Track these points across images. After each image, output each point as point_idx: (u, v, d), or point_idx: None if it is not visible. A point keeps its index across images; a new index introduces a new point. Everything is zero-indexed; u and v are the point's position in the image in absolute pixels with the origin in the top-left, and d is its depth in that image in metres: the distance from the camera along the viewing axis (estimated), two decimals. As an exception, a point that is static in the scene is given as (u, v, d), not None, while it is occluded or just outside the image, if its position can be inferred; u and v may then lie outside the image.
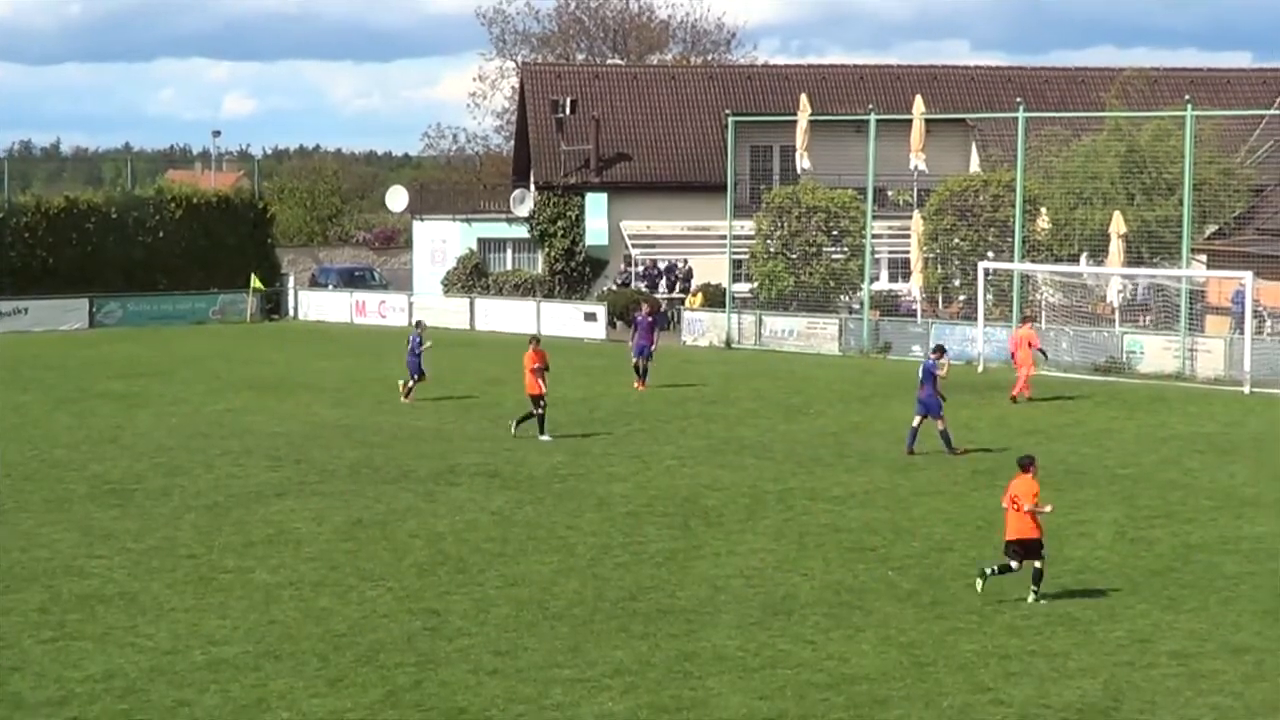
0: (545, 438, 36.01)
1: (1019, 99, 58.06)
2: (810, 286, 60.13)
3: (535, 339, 38.63)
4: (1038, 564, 22.44)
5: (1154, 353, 49.80)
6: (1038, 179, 58.94)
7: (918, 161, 59.56)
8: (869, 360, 54.04)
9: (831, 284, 60.62)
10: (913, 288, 59.90)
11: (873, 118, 58.05)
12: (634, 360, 46.05)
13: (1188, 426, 39.15)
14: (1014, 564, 22.45)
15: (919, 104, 59.83)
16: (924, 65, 78.08)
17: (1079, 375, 48.40)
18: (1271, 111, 60.85)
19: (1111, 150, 59.15)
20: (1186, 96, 53.96)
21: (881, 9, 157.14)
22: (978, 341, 51.68)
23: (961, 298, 58.80)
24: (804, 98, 62.47)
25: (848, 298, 60.66)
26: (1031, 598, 22.34)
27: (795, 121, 61.78)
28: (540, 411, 36.39)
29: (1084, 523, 27.48)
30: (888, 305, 60.24)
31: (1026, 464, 22.75)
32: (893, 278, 65.69)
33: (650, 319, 46.52)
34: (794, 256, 61.21)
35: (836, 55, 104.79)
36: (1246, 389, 45.50)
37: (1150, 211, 56.79)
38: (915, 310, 58.45)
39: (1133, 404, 42.84)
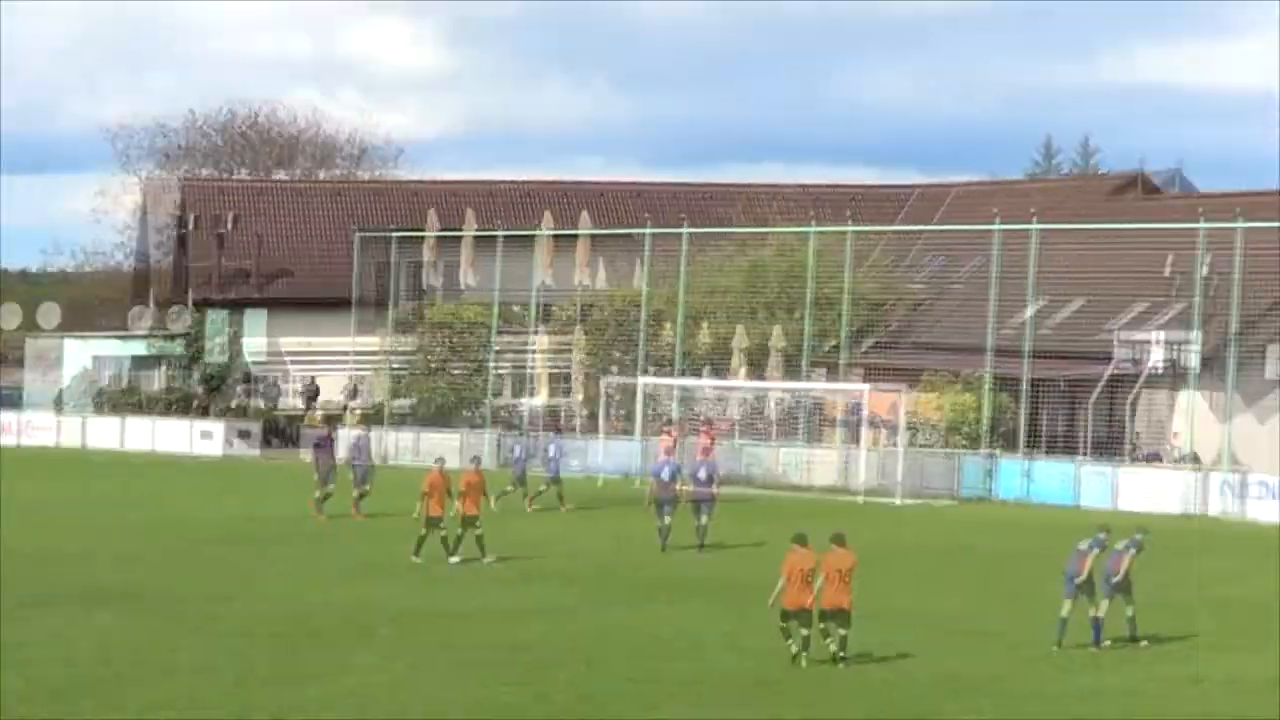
0: (455, 559, 34.42)
1: (683, 215, 58.34)
2: (459, 401, 59.48)
3: (441, 460, 36.72)
4: (844, 631, 24.08)
5: (809, 464, 50.16)
6: (699, 294, 58.97)
7: (579, 277, 59.60)
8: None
9: (460, 397, 59.99)
10: (571, 402, 59.65)
11: (500, 233, 58.13)
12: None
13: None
14: (805, 631, 23.99)
15: (548, 219, 60.18)
16: (594, 181, 77.81)
17: (730, 489, 48.00)
18: (931, 227, 61.92)
19: (761, 265, 59.52)
20: (847, 212, 54.78)
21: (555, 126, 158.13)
22: (599, 454, 51.28)
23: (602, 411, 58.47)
24: (432, 213, 62.32)
25: (501, 412, 59.92)
26: (842, 665, 24.00)
27: (455, 236, 61.45)
28: (460, 532, 34.65)
29: (725, 633, 27.14)
30: (551, 421, 59.75)
31: (843, 538, 24.36)
32: (558, 392, 65.12)
33: (330, 439, 44.69)
34: (456, 372, 60.41)
35: (508, 170, 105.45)
36: (896, 500, 45.89)
37: (798, 325, 57.09)
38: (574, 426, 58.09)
39: (776, 517, 42.32)
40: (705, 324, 58.60)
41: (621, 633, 27.46)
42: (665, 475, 37.56)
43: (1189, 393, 48.61)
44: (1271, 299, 49.86)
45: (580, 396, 58.59)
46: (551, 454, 44.27)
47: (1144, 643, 26.53)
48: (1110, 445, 49.86)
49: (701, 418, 52.41)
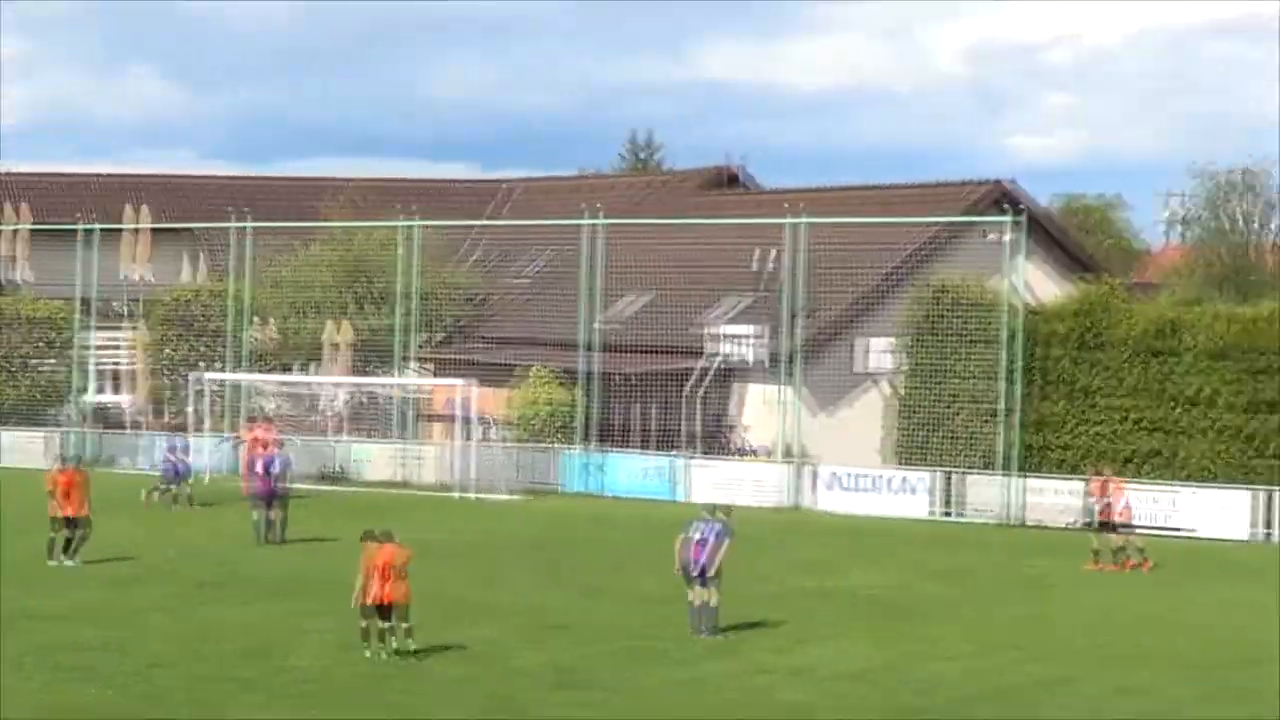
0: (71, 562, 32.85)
1: (246, 209, 56.69)
2: (28, 399, 56.77)
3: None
4: (405, 624, 24.39)
5: (379, 461, 49.32)
6: (264, 289, 57.61)
7: (130, 272, 57.60)
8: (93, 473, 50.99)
9: (39, 396, 57.31)
10: (133, 399, 57.53)
11: (97, 227, 55.73)
12: None
13: (411, 534, 38.31)
14: (383, 624, 24.31)
15: (129, 213, 57.97)
16: (153, 174, 75.27)
17: (304, 485, 47.07)
18: (487, 222, 61.65)
19: (329, 260, 58.51)
20: (414, 206, 54.14)
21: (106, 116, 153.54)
22: (203, 452, 49.61)
23: (189, 408, 56.71)
24: (25, 206, 59.44)
25: (55, 410, 57.44)
26: (414, 658, 24.24)
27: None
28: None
29: (306, 631, 26.50)
30: (111, 417, 57.56)
31: (392, 534, 25.12)
32: (116, 389, 62.80)
33: None
34: (13, 369, 57.66)
35: (58, 163, 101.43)
36: (471, 495, 45.57)
37: (372, 320, 56.30)
38: (138, 422, 56.03)
39: (350, 512, 41.63)
40: (294, 319, 57.24)
41: (227, 630, 26.56)
42: (260, 470, 37.61)
43: (772, 387, 49.42)
44: (859, 293, 51.22)
45: (143, 393, 56.59)
46: (174, 453, 43.65)
47: (726, 634, 26.83)
48: (701, 439, 50.42)
49: (266, 412, 51.18)
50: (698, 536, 26.63)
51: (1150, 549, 36.39)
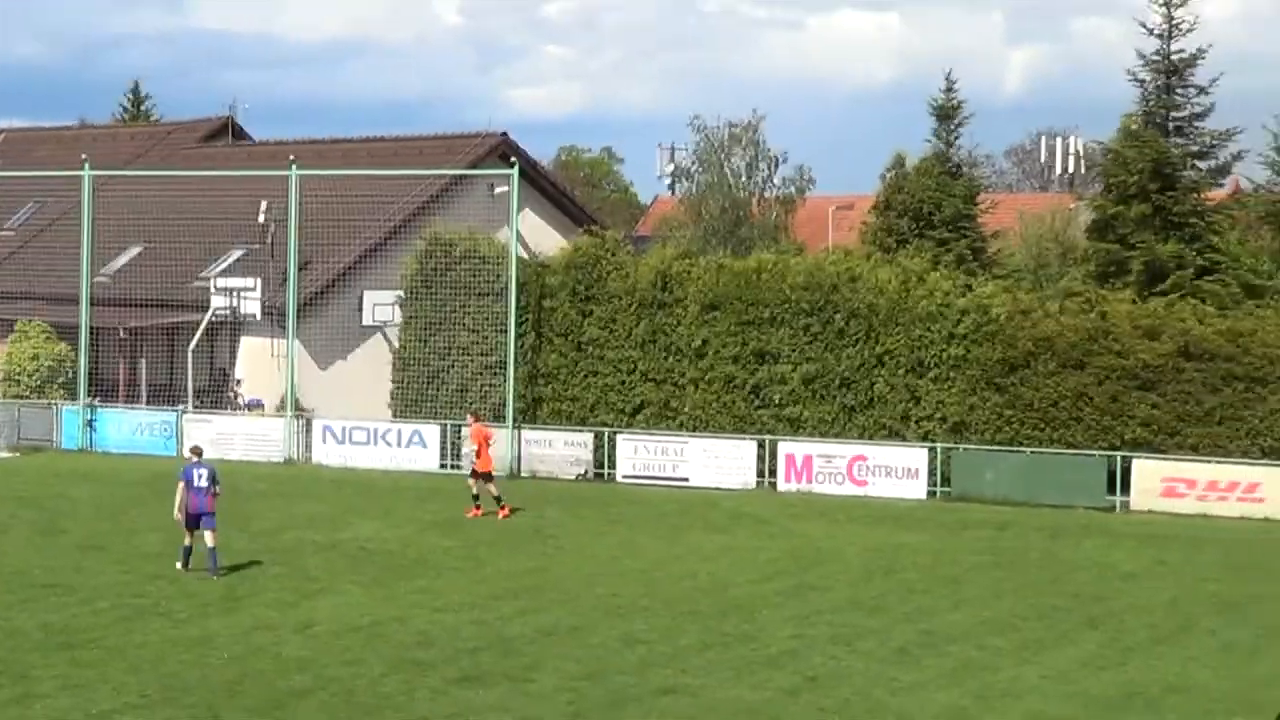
0: None
1: None
2: None
3: None
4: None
5: None
6: None
7: None
8: None
9: None
10: None
11: None
12: None
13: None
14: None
15: None
16: None
17: None
18: (21, 173, 58.70)
19: None
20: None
21: None
22: None
23: None
24: None
25: None
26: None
27: None
28: None
29: None
30: None
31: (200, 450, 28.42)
32: None
33: None
34: None
35: None
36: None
37: None
38: None
39: None
40: None
41: None
42: None
43: (272, 340, 48.79)
44: (366, 246, 50.86)
45: None
46: None
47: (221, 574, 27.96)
48: (201, 393, 49.46)
49: None
50: (198, 482, 28.07)
51: (658, 500, 37.26)
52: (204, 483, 28.08)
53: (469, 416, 39.18)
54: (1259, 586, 29.72)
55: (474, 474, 36.89)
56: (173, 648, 22.97)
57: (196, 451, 29.04)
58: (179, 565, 28.40)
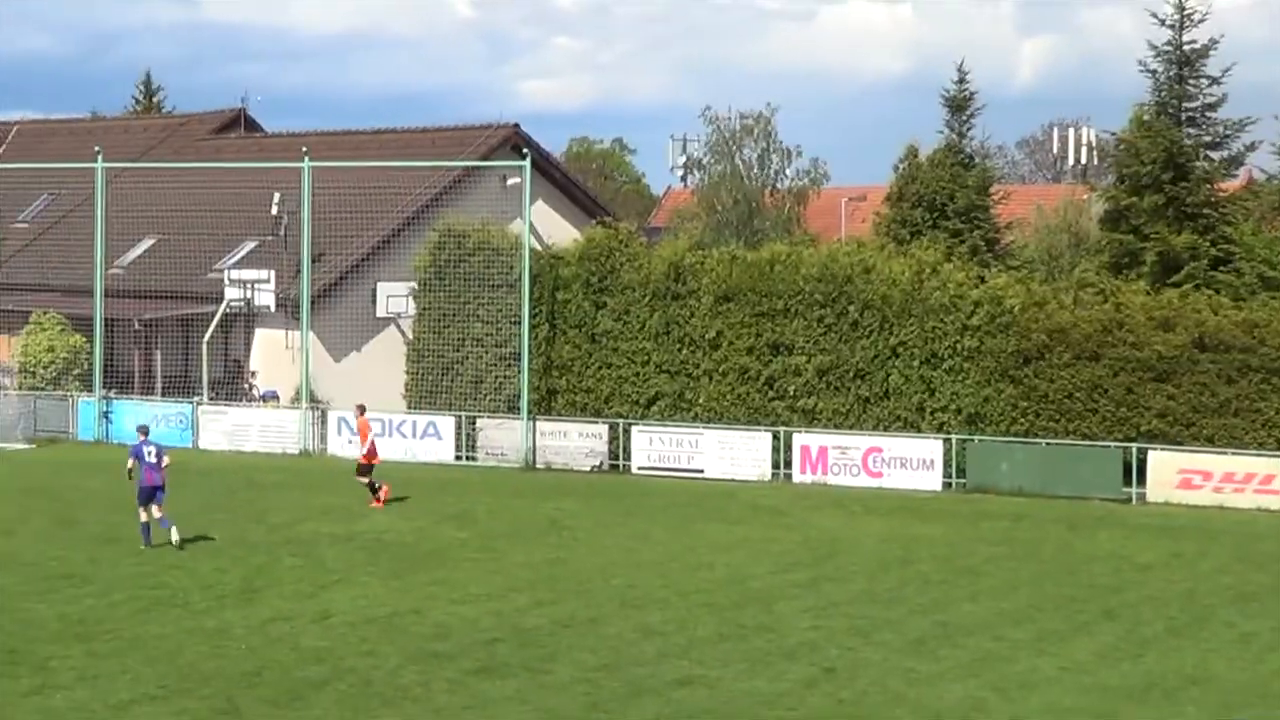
0: None
1: None
2: None
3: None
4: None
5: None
6: None
7: None
8: None
9: None
10: None
11: None
12: None
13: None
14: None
15: None
16: None
17: None
18: (35, 165, 58.68)
19: None
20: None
21: None
22: None
23: None
24: None
25: None
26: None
27: None
28: None
29: None
30: None
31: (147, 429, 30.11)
32: None
33: None
34: None
35: None
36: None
37: None
38: None
39: None
40: None
41: None
42: None
43: (288, 332, 48.80)
44: (379, 238, 50.89)
45: None
46: None
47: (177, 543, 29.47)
48: (216, 385, 49.46)
49: None
50: (149, 459, 29.71)
51: (673, 491, 37.19)
52: (153, 459, 29.70)
53: (355, 408, 38.40)
54: (1276, 578, 29.69)
55: (359, 468, 36.74)
56: (190, 638, 23.01)
57: (143, 430, 30.86)
58: (142, 545, 29.63)
